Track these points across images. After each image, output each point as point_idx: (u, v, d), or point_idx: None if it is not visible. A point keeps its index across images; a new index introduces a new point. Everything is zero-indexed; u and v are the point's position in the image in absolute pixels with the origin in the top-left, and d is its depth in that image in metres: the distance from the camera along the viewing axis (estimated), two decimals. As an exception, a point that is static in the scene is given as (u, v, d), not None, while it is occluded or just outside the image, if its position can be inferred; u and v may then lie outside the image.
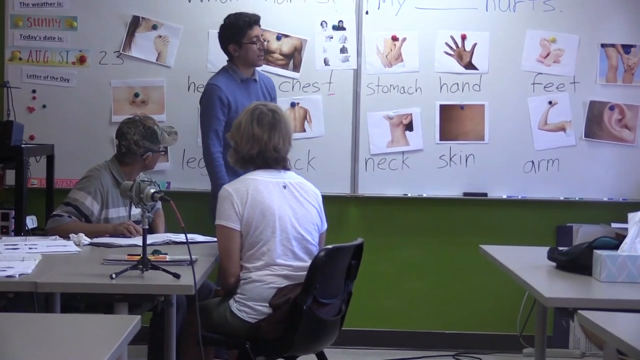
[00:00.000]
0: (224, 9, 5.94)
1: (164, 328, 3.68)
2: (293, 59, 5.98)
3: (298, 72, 5.97)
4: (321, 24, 5.97)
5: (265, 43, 5.55)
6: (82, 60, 5.98)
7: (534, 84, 5.96)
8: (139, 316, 2.76)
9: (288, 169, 4.17)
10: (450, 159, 5.99)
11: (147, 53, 5.99)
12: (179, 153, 5.96)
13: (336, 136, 5.98)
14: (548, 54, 5.97)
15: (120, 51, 5.98)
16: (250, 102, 5.25)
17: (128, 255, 3.81)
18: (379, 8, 5.97)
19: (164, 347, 3.70)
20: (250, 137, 4.08)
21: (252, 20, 5.45)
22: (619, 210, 5.80)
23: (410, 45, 5.96)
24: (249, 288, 3.96)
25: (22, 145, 5.29)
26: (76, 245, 4.21)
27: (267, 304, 3.93)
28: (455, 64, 5.91)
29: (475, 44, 5.92)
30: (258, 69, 5.56)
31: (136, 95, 5.99)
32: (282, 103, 5.82)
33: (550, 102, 5.96)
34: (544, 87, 5.97)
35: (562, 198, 6.03)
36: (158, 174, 5.65)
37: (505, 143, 5.97)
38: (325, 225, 4.22)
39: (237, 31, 5.42)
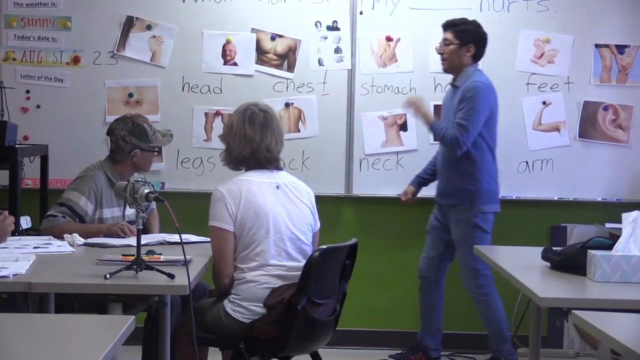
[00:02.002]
0: (218, 10, 5.96)
1: (158, 328, 3.68)
2: (287, 59, 5.98)
3: (292, 72, 5.97)
4: (315, 25, 5.98)
5: (449, 47, 5.41)
6: (76, 60, 5.98)
7: (528, 84, 5.97)
8: (133, 316, 2.76)
9: (280, 169, 4.16)
10: (445, 159, 5.99)
11: (141, 53, 5.99)
12: (174, 153, 5.96)
13: (330, 136, 5.99)
14: (542, 55, 5.98)
15: (115, 51, 5.98)
16: (446, 108, 5.42)
17: (122, 255, 3.80)
18: (373, 8, 5.98)
19: (158, 348, 3.70)
20: (243, 138, 4.07)
21: (442, 25, 5.51)
22: (613, 210, 5.82)
23: (404, 46, 5.97)
24: (243, 288, 3.96)
25: (16, 146, 5.29)
26: (70, 245, 4.20)
27: (262, 304, 3.92)
28: (450, 64, 5.90)
29: (469, 44, 5.93)
30: (466, 74, 5.43)
31: (130, 95, 5.99)
32: (276, 103, 5.84)
33: (544, 103, 5.97)
34: (538, 88, 5.98)
35: (556, 198, 6.04)
36: (152, 175, 5.64)
37: (500, 143, 5.94)
38: (319, 225, 4.22)
39: None
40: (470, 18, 5.85)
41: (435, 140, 5.45)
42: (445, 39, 5.44)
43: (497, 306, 5.49)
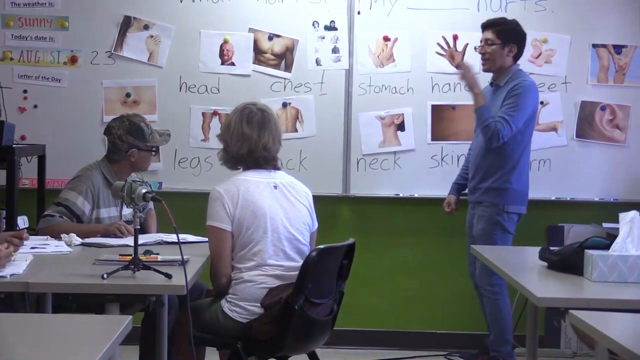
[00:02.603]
0: (215, 9, 5.96)
1: (156, 328, 3.67)
2: (285, 59, 5.98)
3: (290, 72, 5.97)
4: (313, 24, 5.98)
5: (491, 47, 5.40)
6: (73, 60, 5.97)
7: (525, 84, 5.96)
8: (131, 316, 2.75)
9: (278, 169, 4.16)
10: (442, 159, 5.99)
11: (139, 53, 5.98)
12: (171, 153, 5.96)
13: (328, 136, 5.99)
14: (539, 54, 5.98)
15: (112, 51, 5.98)
16: (491, 106, 5.35)
17: (119, 255, 3.80)
18: (370, 8, 5.97)
19: (156, 348, 3.69)
20: (240, 137, 4.07)
21: (482, 25, 5.50)
22: (610, 210, 5.82)
23: (401, 46, 5.97)
24: (241, 288, 3.96)
25: (14, 145, 5.28)
26: (67, 245, 4.20)
27: (259, 304, 3.92)
28: (447, 64, 5.89)
29: (467, 44, 5.92)
30: (512, 72, 5.43)
31: (128, 95, 5.98)
32: (274, 103, 5.83)
33: (541, 102, 5.96)
34: (536, 87, 5.97)
35: (553, 198, 6.04)
36: (150, 174, 5.64)
37: (497, 143, 5.97)
38: (316, 225, 4.22)
39: None
40: (467, 18, 5.87)
41: (478, 126, 5.39)
42: (487, 39, 5.42)
43: (506, 308, 5.48)
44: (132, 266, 3.56)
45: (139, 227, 3.68)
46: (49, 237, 4.37)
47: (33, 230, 5.08)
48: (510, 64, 5.43)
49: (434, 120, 5.99)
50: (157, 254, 3.89)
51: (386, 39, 5.98)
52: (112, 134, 4.78)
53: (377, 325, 6.16)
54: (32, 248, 4.03)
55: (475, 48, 5.58)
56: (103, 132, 4.93)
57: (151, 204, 4.85)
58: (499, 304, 5.46)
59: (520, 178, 5.42)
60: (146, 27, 5.97)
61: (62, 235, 4.32)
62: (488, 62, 5.43)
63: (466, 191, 5.65)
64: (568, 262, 3.81)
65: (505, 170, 5.37)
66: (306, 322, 3.94)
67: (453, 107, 5.97)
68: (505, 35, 5.40)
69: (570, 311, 2.98)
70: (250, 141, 4.06)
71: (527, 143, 5.43)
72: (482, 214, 5.43)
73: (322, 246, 3.93)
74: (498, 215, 5.37)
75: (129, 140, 4.76)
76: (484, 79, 5.58)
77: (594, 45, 5.99)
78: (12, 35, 5.97)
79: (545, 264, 3.96)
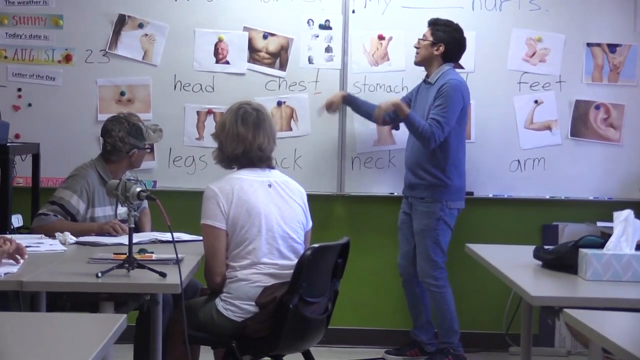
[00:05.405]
0: (209, 8, 5.95)
1: (150, 327, 3.68)
2: (279, 57, 5.98)
3: (284, 70, 5.97)
4: (307, 23, 5.97)
5: (423, 42, 5.58)
6: (67, 58, 5.96)
7: (520, 83, 5.97)
8: (125, 315, 2.75)
9: (273, 168, 4.17)
10: (437, 158, 5.99)
11: (133, 51, 5.97)
12: (165, 152, 5.95)
13: (322, 135, 5.98)
14: (534, 53, 5.98)
15: (106, 50, 5.96)
16: (420, 102, 5.55)
17: (114, 254, 3.79)
18: (365, 7, 5.97)
19: (150, 346, 3.70)
20: (235, 137, 4.07)
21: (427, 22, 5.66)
22: (604, 209, 5.82)
23: (396, 44, 5.97)
24: (235, 287, 3.96)
25: (8, 144, 5.27)
26: (62, 244, 4.20)
27: (254, 303, 3.92)
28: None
29: (461, 43, 5.93)
30: (440, 72, 5.55)
31: (122, 93, 5.97)
32: (268, 102, 5.83)
33: (536, 101, 5.97)
34: (530, 86, 5.98)
35: (548, 197, 6.04)
36: (144, 173, 5.64)
37: (492, 142, 5.98)
38: (311, 224, 4.23)
39: None
40: (462, 17, 5.86)
41: (410, 131, 5.50)
42: (424, 34, 5.59)
43: (451, 299, 5.63)
44: (127, 265, 3.56)
45: (133, 225, 3.68)
46: (43, 235, 4.37)
47: (27, 229, 5.08)
48: (439, 63, 5.54)
49: (428, 119, 5.99)
50: (152, 252, 3.89)
51: (381, 37, 5.98)
52: (113, 136, 4.76)
53: (372, 324, 6.16)
54: (26, 247, 4.02)
55: (419, 40, 5.65)
56: (100, 134, 4.90)
57: (146, 203, 4.84)
58: (445, 296, 5.61)
59: (459, 174, 5.57)
60: (141, 26, 5.96)
61: (56, 234, 4.32)
62: (417, 56, 5.62)
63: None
64: (562, 261, 3.82)
65: (446, 167, 5.51)
66: (301, 321, 3.94)
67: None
68: (438, 34, 5.55)
69: (565, 310, 2.98)
70: (246, 141, 4.06)
71: (462, 139, 5.58)
72: (425, 209, 5.55)
73: (316, 245, 3.94)
74: (441, 210, 5.53)
75: (130, 142, 4.76)
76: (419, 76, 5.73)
77: (589, 44, 6.00)
78: (6, 33, 5.96)
79: (540, 262, 3.96)
